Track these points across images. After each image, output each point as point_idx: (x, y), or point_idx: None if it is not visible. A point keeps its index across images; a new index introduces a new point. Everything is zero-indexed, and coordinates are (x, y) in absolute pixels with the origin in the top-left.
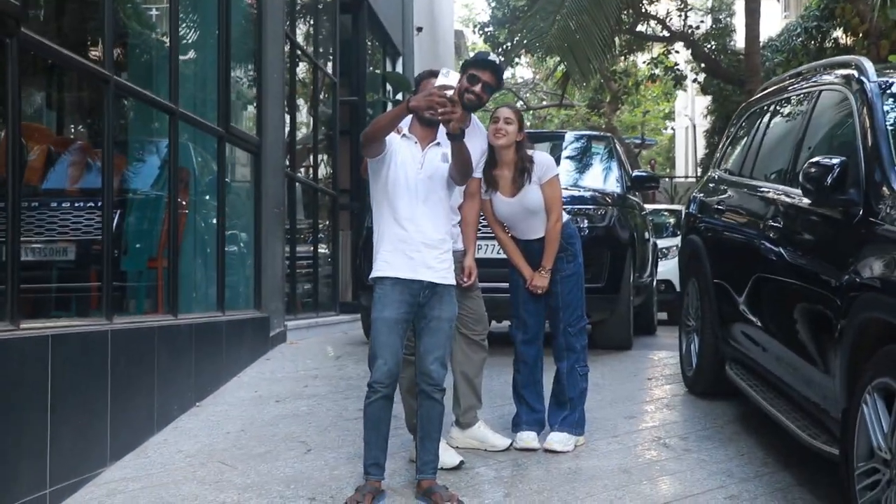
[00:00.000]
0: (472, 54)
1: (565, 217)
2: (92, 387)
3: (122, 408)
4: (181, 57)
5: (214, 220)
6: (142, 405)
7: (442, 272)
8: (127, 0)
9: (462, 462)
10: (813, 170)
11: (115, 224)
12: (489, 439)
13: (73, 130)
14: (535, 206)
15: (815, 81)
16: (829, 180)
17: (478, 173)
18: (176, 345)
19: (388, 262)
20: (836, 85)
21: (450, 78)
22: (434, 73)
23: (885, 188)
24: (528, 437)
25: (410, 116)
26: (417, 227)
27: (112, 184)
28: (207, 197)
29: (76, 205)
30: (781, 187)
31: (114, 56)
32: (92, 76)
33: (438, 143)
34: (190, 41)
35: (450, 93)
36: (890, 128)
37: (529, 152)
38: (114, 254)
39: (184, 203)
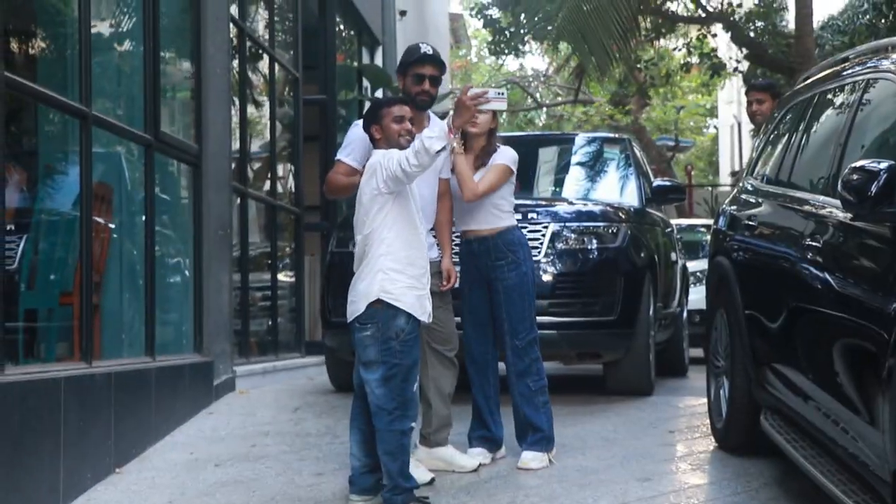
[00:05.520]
0: (473, 42)
1: (512, 221)
2: None
3: (14, 479)
4: (98, 49)
5: (143, 246)
6: (42, 475)
7: None
8: None
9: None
10: (854, 177)
11: (19, 253)
12: (457, 460)
13: None
14: None
15: (865, 68)
16: (873, 189)
17: (445, 174)
18: (90, 399)
19: None
20: (891, 73)
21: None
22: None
23: None
24: (475, 452)
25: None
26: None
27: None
28: (135, 218)
29: None
30: (822, 198)
31: (2, 51)
32: None
33: None
34: (108, 30)
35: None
36: None
37: (498, 144)
38: (8, 290)
39: (108, 226)
